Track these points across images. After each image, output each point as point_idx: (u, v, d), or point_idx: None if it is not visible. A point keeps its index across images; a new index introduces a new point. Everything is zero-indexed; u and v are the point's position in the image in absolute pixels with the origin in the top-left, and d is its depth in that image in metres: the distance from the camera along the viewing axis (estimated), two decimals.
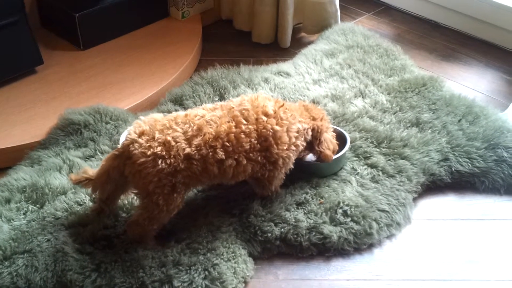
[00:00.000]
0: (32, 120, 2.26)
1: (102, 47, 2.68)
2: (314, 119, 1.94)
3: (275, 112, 1.80)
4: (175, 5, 2.87)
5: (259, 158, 1.78)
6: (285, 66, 2.61)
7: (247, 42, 2.88)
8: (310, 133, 1.92)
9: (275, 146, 1.78)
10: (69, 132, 2.17)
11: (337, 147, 2.03)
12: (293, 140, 1.84)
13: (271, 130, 1.77)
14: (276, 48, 2.85)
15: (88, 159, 2.08)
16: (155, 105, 2.39)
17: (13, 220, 1.84)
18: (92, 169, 1.82)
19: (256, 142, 1.76)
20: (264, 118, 1.77)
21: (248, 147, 1.75)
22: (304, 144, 1.92)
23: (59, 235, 1.78)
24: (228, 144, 1.72)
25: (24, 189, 1.94)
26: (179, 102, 2.36)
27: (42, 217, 1.85)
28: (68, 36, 2.68)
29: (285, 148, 1.81)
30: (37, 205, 1.90)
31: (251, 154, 1.76)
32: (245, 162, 1.75)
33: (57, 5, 2.66)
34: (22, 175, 2.00)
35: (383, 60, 2.60)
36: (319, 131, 1.94)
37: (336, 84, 2.47)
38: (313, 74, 2.54)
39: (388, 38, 2.88)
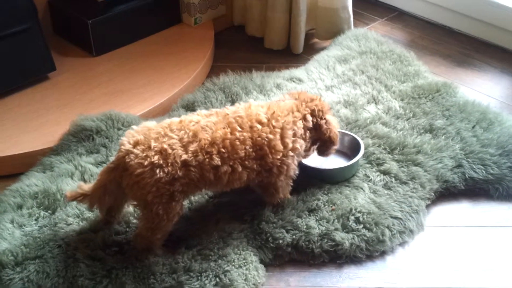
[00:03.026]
0: (44, 126, 2.27)
1: (114, 54, 2.69)
2: (307, 103, 1.88)
3: (268, 120, 1.78)
4: (188, 11, 2.87)
5: (255, 166, 1.77)
6: (298, 72, 2.60)
7: (259, 48, 2.88)
8: (309, 118, 1.87)
9: (270, 155, 1.77)
10: (81, 138, 2.18)
11: (337, 123, 1.99)
12: (290, 145, 1.81)
13: (266, 139, 1.75)
14: (289, 54, 2.84)
15: (100, 165, 2.08)
16: (167, 111, 2.39)
17: (25, 226, 1.85)
18: (87, 184, 1.80)
19: (251, 150, 1.74)
20: (259, 127, 1.76)
21: (243, 154, 1.73)
22: (307, 136, 1.87)
23: (70, 241, 1.79)
24: (223, 151, 1.70)
25: (36, 195, 1.95)
26: (191, 108, 2.36)
27: (54, 223, 1.86)
28: (81, 42, 2.69)
29: (279, 156, 1.78)
30: (49, 211, 1.90)
31: (246, 162, 1.74)
32: (240, 169, 1.74)
33: (69, 12, 2.68)
34: (34, 181, 2.01)
35: (396, 66, 2.58)
36: (321, 109, 1.89)
37: (349, 90, 2.46)
38: (325, 80, 2.53)
39: (402, 44, 2.87)
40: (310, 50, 2.87)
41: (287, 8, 2.76)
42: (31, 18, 2.38)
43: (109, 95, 2.44)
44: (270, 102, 1.88)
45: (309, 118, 1.87)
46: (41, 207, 1.91)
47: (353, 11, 2.89)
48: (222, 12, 2.98)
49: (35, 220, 1.87)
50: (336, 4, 2.78)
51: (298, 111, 1.86)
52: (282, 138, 1.79)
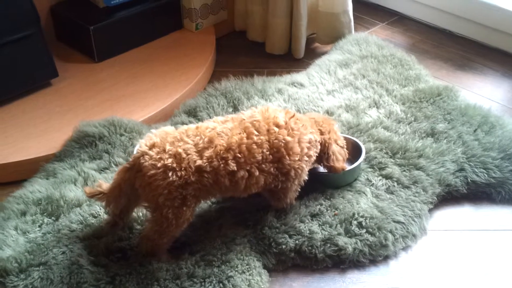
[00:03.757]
0: (47, 132, 2.27)
1: (116, 59, 2.70)
2: (321, 133, 1.93)
3: (286, 123, 1.79)
4: (189, 17, 2.88)
5: (272, 169, 1.78)
6: (299, 76, 2.61)
7: (261, 53, 2.88)
8: (319, 146, 1.92)
9: (287, 157, 1.78)
10: (84, 144, 2.18)
11: (347, 155, 2.02)
12: (305, 150, 1.83)
13: (283, 141, 1.76)
14: (290, 58, 2.85)
15: (102, 171, 2.09)
16: (169, 117, 2.39)
17: (28, 232, 1.85)
18: (106, 183, 1.82)
19: (268, 153, 1.75)
20: (276, 129, 1.77)
21: (260, 158, 1.74)
22: (316, 154, 1.92)
23: (74, 248, 1.79)
24: (239, 156, 1.71)
25: (40, 202, 1.95)
26: (193, 114, 2.36)
27: (57, 230, 1.86)
28: (83, 48, 2.70)
29: (297, 159, 1.80)
30: (53, 218, 1.91)
31: (263, 165, 1.75)
32: (257, 173, 1.74)
33: (72, 18, 2.68)
34: (37, 187, 2.01)
35: (398, 70, 2.59)
36: (327, 145, 1.94)
37: (350, 95, 2.46)
38: (327, 84, 2.54)
39: (403, 48, 2.88)
40: (311, 54, 2.87)
41: (288, 13, 2.77)
42: (33, 24, 2.39)
43: (112, 101, 2.44)
44: (288, 109, 1.90)
45: (319, 145, 1.91)
46: (45, 214, 1.91)
47: (354, 15, 2.90)
48: (223, 17, 2.99)
49: (39, 226, 1.87)
50: (336, 8, 2.79)
51: (314, 129, 1.91)
52: (299, 142, 1.80)
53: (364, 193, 2.01)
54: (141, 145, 1.71)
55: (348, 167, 2.03)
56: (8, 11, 2.31)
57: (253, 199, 1.94)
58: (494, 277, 1.81)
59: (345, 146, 2.02)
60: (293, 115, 1.83)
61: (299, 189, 1.92)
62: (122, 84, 2.54)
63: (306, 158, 1.84)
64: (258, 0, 2.85)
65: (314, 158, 1.90)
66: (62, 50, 2.73)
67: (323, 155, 1.94)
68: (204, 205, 1.95)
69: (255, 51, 2.91)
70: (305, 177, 1.89)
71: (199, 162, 1.68)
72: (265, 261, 1.82)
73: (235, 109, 2.38)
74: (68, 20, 2.71)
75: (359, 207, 1.94)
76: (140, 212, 1.89)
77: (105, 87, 2.52)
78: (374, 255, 1.85)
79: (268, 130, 1.76)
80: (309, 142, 1.85)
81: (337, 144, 1.98)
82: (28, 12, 2.36)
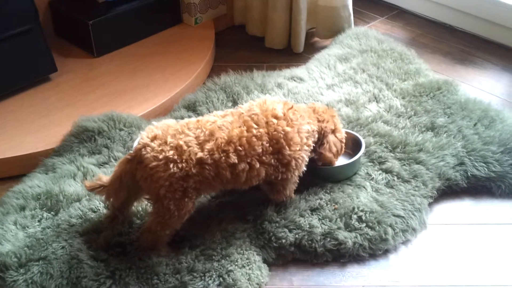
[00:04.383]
0: (46, 127, 2.27)
1: (115, 54, 2.70)
2: (319, 121, 1.94)
3: (284, 114, 1.80)
4: (188, 11, 2.87)
5: (272, 161, 1.78)
6: (299, 71, 2.60)
7: (260, 48, 2.88)
8: (316, 135, 1.92)
9: (287, 148, 1.78)
10: (83, 139, 2.18)
11: (343, 150, 2.02)
12: (305, 140, 1.84)
13: (282, 132, 1.77)
14: (289, 53, 2.84)
15: (102, 165, 2.09)
16: (169, 112, 2.39)
17: (28, 227, 1.85)
18: (106, 176, 1.82)
19: (268, 145, 1.76)
20: (274, 121, 1.78)
21: (260, 150, 1.75)
22: (314, 145, 1.92)
23: (73, 242, 1.79)
24: (240, 148, 1.72)
25: (39, 197, 1.95)
26: (193, 108, 2.36)
27: (57, 224, 1.86)
28: (82, 43, 2.69)
29: (297, 149, 1.81)
30: (52, 212, 1.90)
31: (263, 158, 1.76)
32: (258, 165, 1.75)
33: (70, 13, 2.68)
34: (36, 182, 2.01)
35: (397, 64, 2.58)
36: (323, 133, 1.94)
37: (350, 89, 2.46)
38: (326, 79, 2.53)
39: (402, 42, 2.87)
40: (311, 49, 2.87)
41: (288, 7, 2.77)
42: (32, 19, 2.38)
43: (111, 96, 2.44)
44: (286, 101, 1.90)
45: (316, 134, 1.92)
46: (44, 209, 1.91)
47: (354, 9, 2.90)
48: (222, 11, 2.98)
49: (38, 221, 1.87)
50: (336, 2, 2.78)
51: (312, 118, 1.91)
52: (299, 132, 1.81)
53: (364, 187, 2.01)
54: (142, 137, 1.72)
55: (348, 161, 2.03)
56: (7, 6, 2.31)
57: (253, 194, 1.94)
58: (494, 270, 1.81)
59: (344, 140, 2.01)
60: (291, 107, 1.84)
61: (298, 181, 1.92)
62: (121, 79, 2.54)
63: (306, 148, 1.85)
64: None
65: (312, 147, 1.91)
66: (61, 45, 2.73)
67: (317, 142, 1.94)
68: (204, 199, 1.95)
69: (254, 46, 2.90)
70: (304, 167, 1.88)
71: (200, 154, 1.68)
72: (265, 256, 1.82)
73: (235, 103, 2.38)
74: (67, 15, 2.71)
75: (359, 201, 1.94)
76: (139, 207, 1.89)
77: (104, 82, 2.52)
78: (374, 249, 1.85)
79: (267, 123, 1.77)
80: (307, 132, 1.85)
81: (335, 136, 1.97)
82: (26, 7, 2.36)
